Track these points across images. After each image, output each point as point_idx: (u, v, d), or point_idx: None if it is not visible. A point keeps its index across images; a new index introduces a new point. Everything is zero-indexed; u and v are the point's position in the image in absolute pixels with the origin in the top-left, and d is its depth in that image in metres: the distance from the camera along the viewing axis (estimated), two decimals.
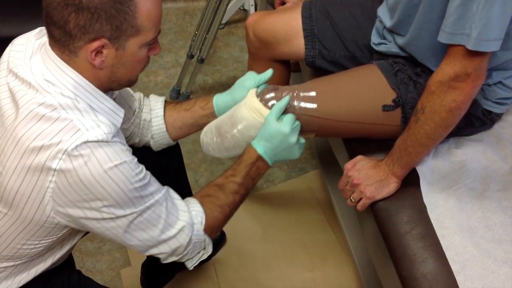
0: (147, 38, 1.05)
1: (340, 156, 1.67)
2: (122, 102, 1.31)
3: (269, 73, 1.37)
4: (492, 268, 1.16)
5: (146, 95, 2.13)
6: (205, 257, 1.25)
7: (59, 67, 1.03)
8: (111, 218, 1.05)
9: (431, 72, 1.33)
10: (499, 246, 1.20)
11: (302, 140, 1.30)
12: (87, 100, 1.05)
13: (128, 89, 1.37)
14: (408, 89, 1.34)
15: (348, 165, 1.34)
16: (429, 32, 1.26)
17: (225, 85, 2.58)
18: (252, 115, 1.30)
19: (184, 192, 1.65)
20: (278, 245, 1.96)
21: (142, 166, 1.08)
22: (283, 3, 1.80)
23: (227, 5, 2.21)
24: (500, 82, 1.31)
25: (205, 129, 1.39)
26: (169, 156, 1.52)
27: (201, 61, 2.32)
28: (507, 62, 1.28)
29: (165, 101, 1.44)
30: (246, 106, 1.32)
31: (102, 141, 0.99)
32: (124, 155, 1.03)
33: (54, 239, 1.12)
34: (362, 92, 1.38)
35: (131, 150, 1.08)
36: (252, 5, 2.76)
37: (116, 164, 1.00)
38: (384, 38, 1.44)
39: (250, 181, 1.27)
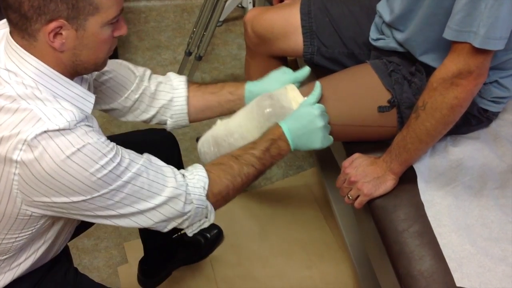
0: (108, 16, 1.00)
1: (338, 154, 1.67)
2: (114, 80, 1.29)
3: (306, 70, 1.37)
4: (489, 266, 1.16)
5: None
6: (206, 225, 1.20)
7: (19, 55, 1.00)
8: (86, 200, 1.01)
9: (426, 70, 1.33)
10: (496, 244, 1.20)
11: (328, 129, 1.29)
12: (51, 87, 1.01)
13: (128, 64, 1.34)
14: (403, 89, 1.34)
15: (345, 163, 1.34)
16: (431, 27, 1.26)
17: (222, 82, 2.57)
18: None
19: None
20: (276, 243, 1.96)
21: (112, 144, 1.03)
22: (282, 0, 1.80)
23: (225, 2, 2.21)
24: (496, 81, 1.31)
25: (202, 139, 1.38)
26: (167, 153, 1.52)
27: (199, 58, 2.32)
28: (505, 62, 1.28)
29: (189, 81, 1.41)
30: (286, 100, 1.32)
31: (64, 129, 0.95)
32: (88, 136, 0.98)
33: (34, 231, 1.09)
34: (357, 94, 1.38)
35: (100, 131, 1.04)
36: (250, 2, 2.75)
37: (79, 148, 0.96)
38: (383, 33, 1.44)
39: (269, 157, 1.23)
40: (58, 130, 0.95)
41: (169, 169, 1.13)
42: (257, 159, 1.21)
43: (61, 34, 0.98)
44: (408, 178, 1.31)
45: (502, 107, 1.39)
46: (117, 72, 1.31)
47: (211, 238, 1.90)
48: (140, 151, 1.35)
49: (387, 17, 1.40)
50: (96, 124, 1.06)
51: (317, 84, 1.32)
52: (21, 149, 0.94)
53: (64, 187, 0.98)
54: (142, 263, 1.77)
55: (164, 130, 1.48)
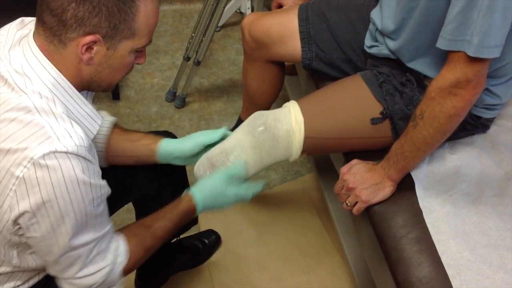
0: (139, 43, 1.03)
1: (336, 160, 1.67)
2: None
3: (221, 132, 1.38)
4: (487, 273, 1.16)
5: (142, 97, 2.14)
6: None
7: (40, 62, 0.99)
8: (47, 237, 0.99)
9: (417, 79, 1.33)
10: (495, 251, 1.20)
11: (245, 194, 1.31)
12: (64, 101, 1.01)
13: None
14: (394, 100, 1.34)
15: (343, 169, 1.34)
16: (424, 35, 1.26)
17: (221, 88, 2.58)
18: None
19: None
20: (273, 248, 1.96)
21: (104, 194, 1.04)
22: (280, 6, 1.80)
23: (224, 7, 2.21)
24: (487, 89, 1.31)
25: (197, 163, 1.38)
26: None
27: (197, 63, 2.32)
28: (496, 71, 1.28)
29: (115, 124, 1.38)
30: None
31: (71, 152, 0.94)
32: (90, 175, 0.98)
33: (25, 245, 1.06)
34: (349, 107, 1.38)
35: (100, 173, 1.05)
36: (248, 8, 2.76)
37: (79, 181, 0.96)
38: (377, 40, 1.45)
39: (176, 228, 1.26)
40: (66, 152, 0.94)
41: (116, 244, 1.13)
42: (166, 233, 1.24)
43: (92, 48, 0.99)
44: (406, 185, 1.32)
45: (496, 114, 1.39)
46: None
47: (209, 243, 1.90)
48: None
49: (380, 25, 1.40)
50: (97, 157, 1.06)
51: (241, 165, 1.34)
52: (25, 166, 0.92)
53: (44, 210, 0.96)
54: (140, 268, 1.76)
55: (167, 132, 1.48)
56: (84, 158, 0.97)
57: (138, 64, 1.10)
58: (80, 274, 1.07)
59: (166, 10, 2.98)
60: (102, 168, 1.07)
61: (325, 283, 1.86)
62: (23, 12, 1.17)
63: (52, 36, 0.98)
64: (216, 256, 1.86)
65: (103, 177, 1.05)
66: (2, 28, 1.10)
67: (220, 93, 2.55)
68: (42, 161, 0.92)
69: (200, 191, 1.28)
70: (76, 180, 0.95)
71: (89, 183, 0.98)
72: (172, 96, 2.48)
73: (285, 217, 2.06)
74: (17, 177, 0.93)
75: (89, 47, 0.98)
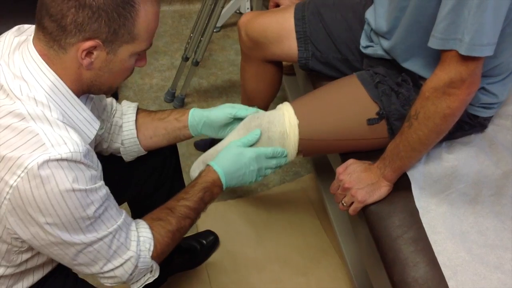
0: (140, 47, 1.03)
1: (334, 160, 1.67)
2: (94, 106, 1.29)
3: (252, 110, 1.38)
4: (484, 273, 1.15)
5: (141, 97, 2.14)
6: (151, 280, 1.21)
7: (38, 66, 1.00)
8: (59, 243, 1.00)
9: (412, 79, 1.33)
10: (492, 251, 1.19)
11: (261, 170, 1.31)
12: (62, 106, 1.01)
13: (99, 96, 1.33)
14: (391, 101, 1.34)
15: (339, 169, 1.34)
16: (416, 34, 1.26)
17: (220, 88, 2.57)
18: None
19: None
20: (272, 249, 1.95)
21: (104, 195, 1.04)
22: (277, 6, 1.80)
23: (222, 8, 2.21)
24: (483, 88, 1.30)
25: (194, 165, 1.38)
26: (165, 156, 1.51)
27: (196, 63, 2.31)
28: (492, 69, 1.27)
29: (138, 108, 1.40)
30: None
31: (66, 159, 0.94)
32: (86, 181, 0.98)
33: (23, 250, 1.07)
34: (345, 108, 1.37)
35: (101, 175, 1.05)
36: (248, 8, 2.76)
37: (75, 189, 0.96)
38: (372, 40, 1.44)
39: (202, 205, 1.24)
40: (60, 159, 0.94)
41: (135, 233, 1.13)
42: (192, 211, 1.21)
43: (92, 53, 0.99)
44: (402, 185, 1.31)
45: (494, 112, 1.38)
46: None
47: (207, 244, 1.89)
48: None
49: (374, 25, 1.39)
50: (95, 159, 1.06)
51: (257, 130, 1.32)
52: (19, 176, 0.92)
53: (44, 220, 0.96)
54: None
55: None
56: (79, 163, 0.97)
57: (139, 67, 1.10)
58: (105, 268, 1.09)
59: (165, 10, 2.98)
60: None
61: (324, 284, 1.85)
62: (21, 18, 1.19)
63: (52, 41, 0.98)
64: (214, 257, 1.86)
65: None
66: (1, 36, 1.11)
67: (219, 94, 2.55)
68: (36, 171, 0.92)
69: (218, 160, 1.26)
70: (71, 189, 0.95)
71: (84, 189, 0.98)
72: (171, 97, 2.47)
73: (283, 218, 2.05)
74: (11, 186, 0.93)
75: (89, 52, 0.99)
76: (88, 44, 0.97)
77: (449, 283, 1.14)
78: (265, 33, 1.60)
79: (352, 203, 1.30)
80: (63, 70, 1.01)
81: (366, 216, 1.31)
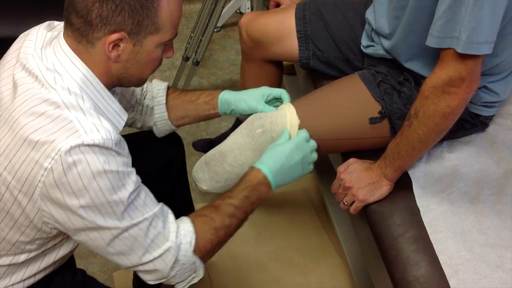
0: (164, 37, 1.06)
1: (334, 159, 1.67)
2: (126, 93, 1.33)
3: (283, 92, 1.39)
4: (485, 272, 1.15)
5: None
6: (195, 281, 1.18)
7: (70, 60, 1.03)
8: (94, 228, 1.01)
9: (414, 78, 1.33)
10: (493, 250, 1.19)
11: (307, 158, 1.30)
12: (93, 97, 1.04)
13: None
14: (393, 100, 1.34)
15: (340, 168, 1.34)
16: (415, 33, 1.26)
17: (220, 88, 2.55)
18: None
19: (184, 194, 1.64)
20: (272, 248, 1.95)
21: (136, 181, 1.04)
22: (278, 5, 1.80)
23: (223, 7, 2.21)
24: (484, 87, 1.30)
25: (196, 165, 1.38)
26: (173, 155, 1.52)
27: (196, 63, 2.31)
28: (493, 68, 1.27)
29: (168, 88, 1.43)
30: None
31: (98, 145, 0.96)
32: (118, 165, 0.99)
33: (49, 236, 1.09)
34: (347, 107, 1.37)
35: (130, 163, 1.06)
36: (248, 8, 2.76)
37: (107, 170, 0.97)
38: (373, 40, 1.44)
39: (248, 205, 1.21)
40: (93, 145, 0.96)
41: (174, 224, 1.11)
42: (237, 209, 1.19)
43: (119, 46, 1.02)
44: (403, 184, 1.31)
45: (495, 111, 1.38)
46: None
47: None
48: (146, 151, 1.35)
49: (374, 24, 1.39)
50: (126, 149, 1.07)
51: (286, 132, 1.32)
52: (53, 158, 0.94)
53: (78, 204, 0.98)
54: None
55: (172, 132, 1.50)
56: (111, 149, 0.99)
57: (167, 57, 1.12)
58: (144, 259, 1.07)
59: None
60: None
61: (324, 284, 1.85)
62: (49, 16, 1.22)
63: (80, 36, 1.02)
64: (214, 257, 1.83)
65: None
66: (31, 30, 1.15)
67: None
68: (68, 153, 0.94)
69: (262, 160, 1.25)
70: (103, 170, 0.97)
71: (116, 171, 0.99)
72: None
73: (284, 218, 2.05)
74: (45, 168, 0.95)
75: (115, 45, 1.02)
76: (114, 36, 1.00)
77: (450, 282, 1.14)
78: (266, 32, 1.60)
79: (353, 202, 1.30)
80: (93, 64, 1.04)
81: (367, 215, 1.31)
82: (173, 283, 1.16)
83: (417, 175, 1.32)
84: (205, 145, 2.14)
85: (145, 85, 1.40)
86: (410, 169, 1.32)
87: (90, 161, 0.96)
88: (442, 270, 1.16)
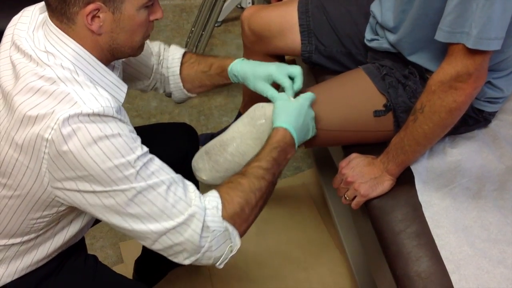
0: None
1: (336, 154, 1.66)
2: (138, 62, 1.35)
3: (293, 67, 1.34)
4: (487, 268, 1.15)
5: (142, 91, 2.10)
6: (234, 252, 1.11)
7: (59, 39, 1.03)
8: (107, 192, 0.98)
9: (419, 72, 1.32)
10: (495, 246, 1.19)
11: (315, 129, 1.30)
12: (87, 71, 1.03)
13: (146, 44, 1.35)
14: (397, 93, 1.33)
15: (342, 163, 1.33)
16: (422, 27, 1.25)
17: None
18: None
19: (198, 187, 1.63)
20: (272, 244, 1.95)
21: (146, 149, 1.02)
22: None
23: (224, 2, 2.21)
24: (489, 82, 1.30)
25: (196, 155, 1.36)
26: (188, 147, 1.50)
27: None
28: (498, 64, 1.27)
29: (185, 54, 1.44)
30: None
31: (98, 114, 0.96)
32: (119, 128, 0.98)
33: (55, 215, 1.08)
34: (351, 100, 1.37)
35: (134, 131, 1.03)
36: (249, 2, 2.75)
37: (108, 135, 0.96)
38: (377, 34, 1.43)
39: (276, 166, 1.16)
40: (92, 114, 0.95)
41: (196, 192, 1.07)
42: (266, 171, 1.13)
43: (98, 17, 1.01)
44: (405, 179, 1.30)
45: (499, 107, 1.38)
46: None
47: None
48: (161, 142, 1.34)
49: (380, 18, 1.39)
50: (128, 119, 1.06)
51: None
52: (53, 128, 0.94)
53: (86, 172, 0.96)
54: (138, 263, 1.75)
55: (185, 124, 1.52)
56: (112, 117, 0.98)
57: (156, 20, 1.10)
58: (167, 225, 1.01)
59: (166, 4, 2.97)
60: None
61: (325, 279, 1.85)
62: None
63: (60, 15, 1.01)
64: None
65: None
66: (25, 9, 1.15)
67: (220, 88, 2.51)
68: (67, 122, 0.94)
69: (281, 118, 1.22)
70: (105, 136, 0.96)
71: (118, 134, 0.98)
72: None
73: (284, 213, 2.05)
74: (47, 139, 0.95)
75: (95, 16, 1.01)
76: (90, 8, 0.99)
77: (452, 277, 1.14)
78: (268, 26, 1.60)
79: (355, 197, 1.30)
80: (80, 40, 1.03)
81: (369, 210, 1.31)
82: (210, 260, 1.09)
83: (419, 170, 1.31)
84: (207, 140, 2.13)
85: (162, 53, 1.42)
86: (412, 164, 1.32)
87: (90, 128, 0.95)
88: (444, 266, 1.15)
